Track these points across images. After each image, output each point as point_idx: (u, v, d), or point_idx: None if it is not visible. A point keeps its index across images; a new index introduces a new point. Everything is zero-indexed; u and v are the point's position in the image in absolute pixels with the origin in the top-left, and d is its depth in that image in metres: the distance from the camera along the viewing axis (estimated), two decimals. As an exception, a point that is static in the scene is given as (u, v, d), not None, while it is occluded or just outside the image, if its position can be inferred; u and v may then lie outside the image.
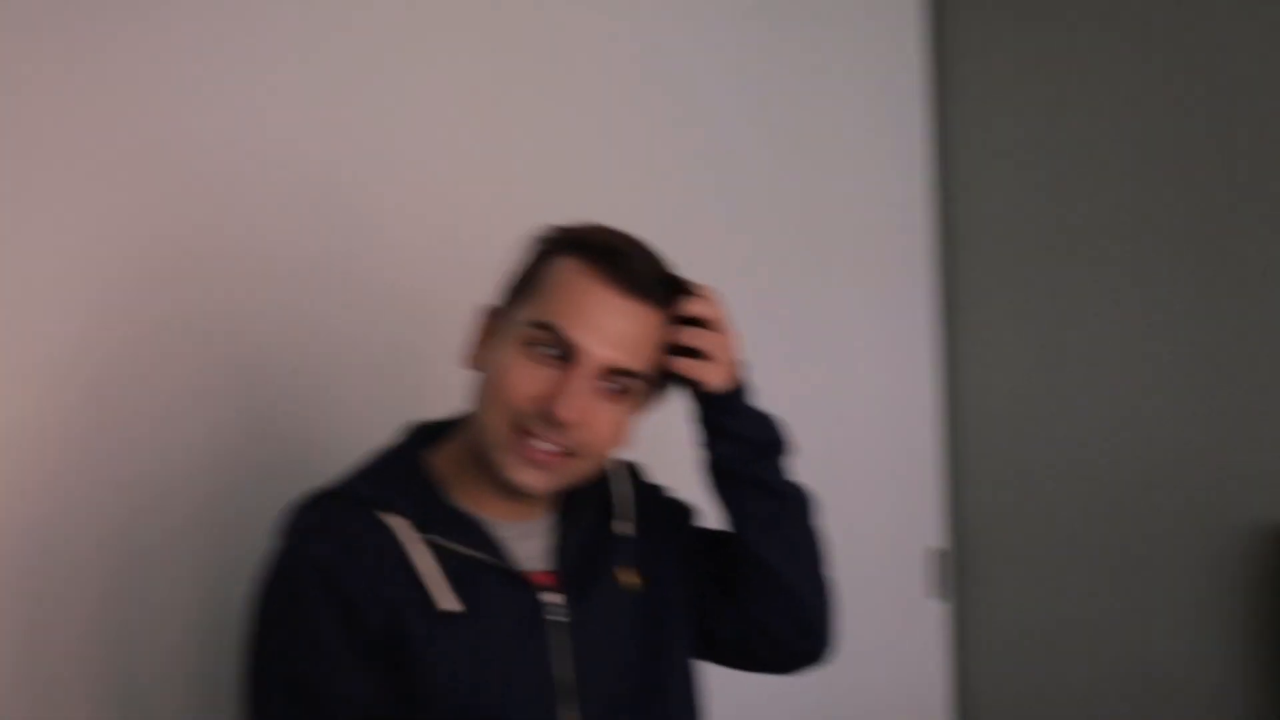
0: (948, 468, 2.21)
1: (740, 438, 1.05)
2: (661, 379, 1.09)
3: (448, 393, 1.08)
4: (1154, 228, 1.99)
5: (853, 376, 2.06)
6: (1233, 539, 1.92)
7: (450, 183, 1.45)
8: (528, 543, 1.08)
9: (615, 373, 1.01)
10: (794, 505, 1.17)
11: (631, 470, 1.15)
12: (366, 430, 1.18)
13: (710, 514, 1.09)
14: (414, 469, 1.06)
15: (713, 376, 1.03)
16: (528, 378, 1.00)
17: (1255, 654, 1.91)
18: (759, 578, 1.05)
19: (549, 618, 1.05)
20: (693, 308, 1.07)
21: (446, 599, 1.02)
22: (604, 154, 1.76)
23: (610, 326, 1.01)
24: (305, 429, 1.38)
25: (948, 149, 2.26)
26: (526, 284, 1.06)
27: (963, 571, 2.21)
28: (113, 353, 1.26)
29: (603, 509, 1.10)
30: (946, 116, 2.26)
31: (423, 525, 1.02)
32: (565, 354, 1.00)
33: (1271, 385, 1.90)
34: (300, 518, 1.05)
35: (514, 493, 1.04)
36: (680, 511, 1.13)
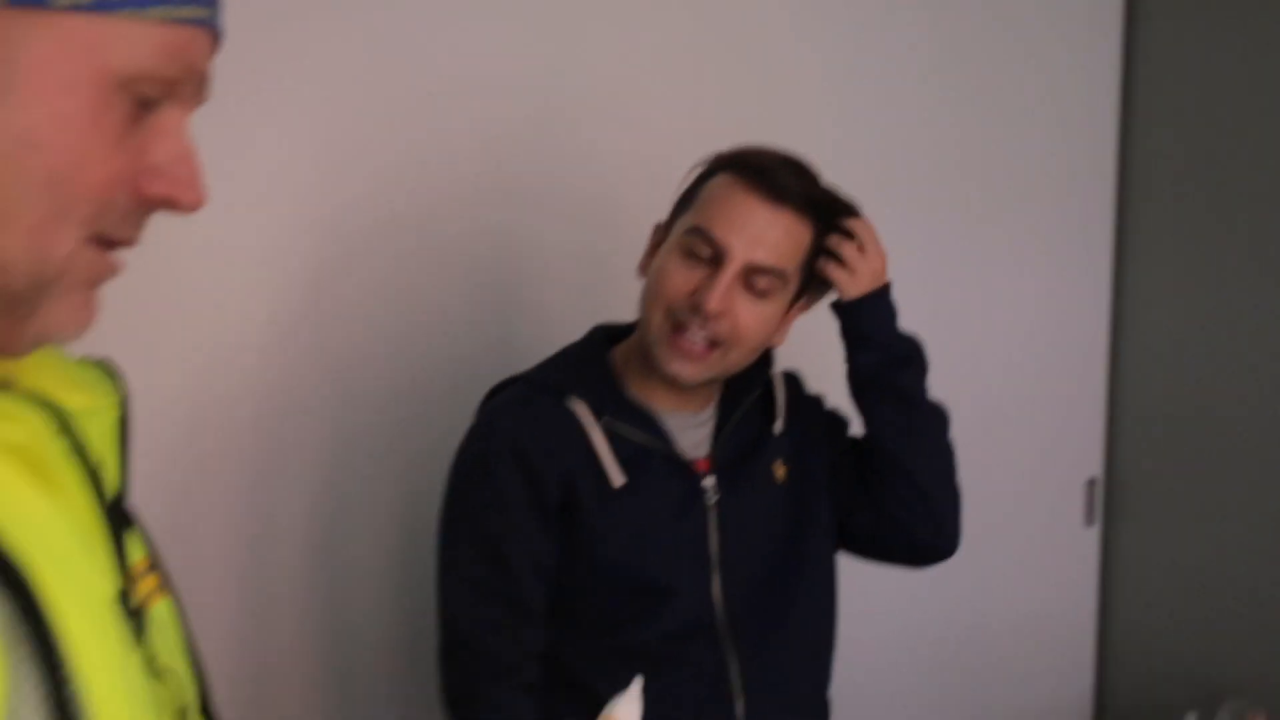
0: (1108, 404, 2.25)
1: (877, 345, 1.12)
2: (809, 284, 1.16)
3: (632, 301, 1.19)
4: None
5: (1028, 317, 2.11)
6: None
7: (644, 114, 1.54)
8: (690, 432, 1.19)
9: (759, 271, 1.10)
10: (928, 415, 1.24)
11: (793, 379, 1.24)
12: (560, 331, 1.31)
13: (858, 426, 1.18)
14: (597, 363, 1.18)
15: (851, 285, 1.11)
16: (682, 276, 1.09)
17: None
18: (897, 480, 1.14)
19: (707, 501, 1.17)
20: (841, 221, 1.14)
21: (617, 476, 1.14)
22: (792, 91, 1.80)
23: (755, 229, 1.09)
24: (507, 327, 1.52)
25: (1131, 105, 2.26)
26: (688, 199, 1.15)
27: (1116, 502, 2.26)
28: (338, 261, 1.40)
29: (765, 409, 1.19)
30: (1133, 74, 2.24)
31: (600, 411, 1.14)
32: (715, 255, 1.09)
33: None
34: (497, 398, 1.20)
35: (676, 385, 1.14)
36: (834, 421, 1.22)
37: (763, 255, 1.11)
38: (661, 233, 1.17)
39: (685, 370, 1.11)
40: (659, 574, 1.14)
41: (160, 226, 0.62)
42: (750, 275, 1.11)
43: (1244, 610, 2.11)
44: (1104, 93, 2.18)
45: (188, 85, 0.57)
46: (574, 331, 1.28)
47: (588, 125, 1.52)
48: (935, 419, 1.27)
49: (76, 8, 0.52)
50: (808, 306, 1.22)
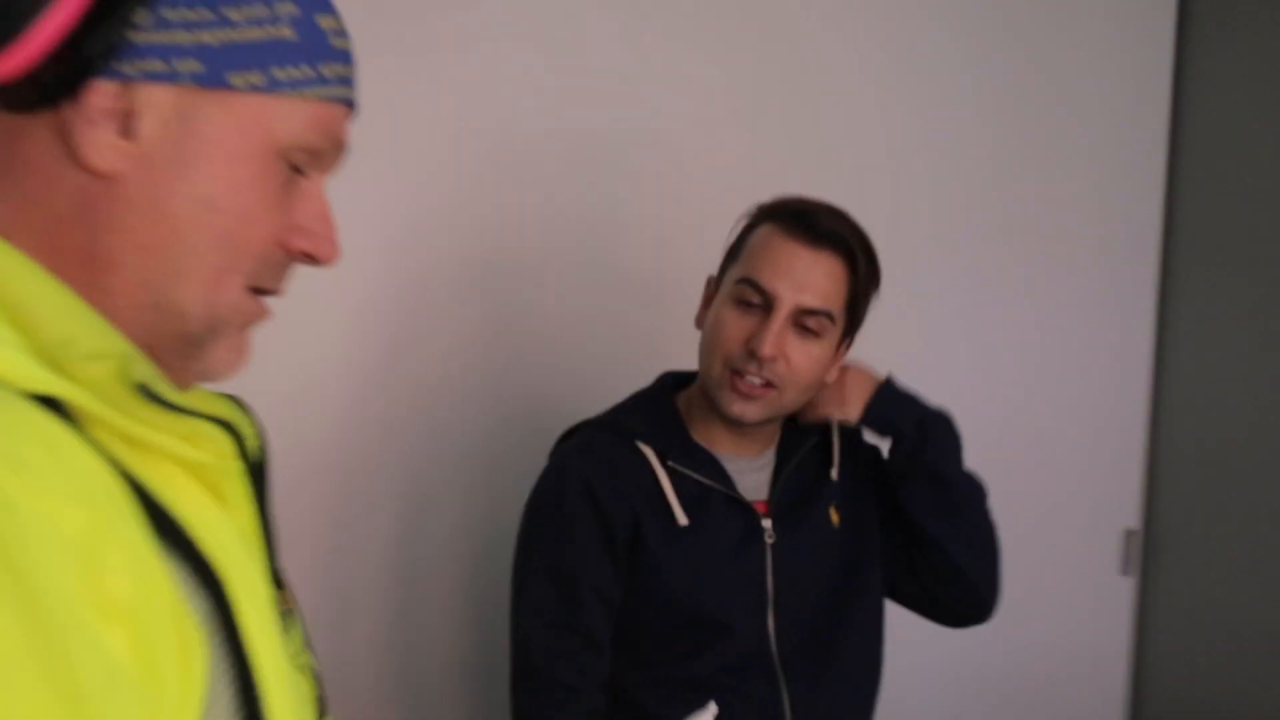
0: (1147, 455, 2.22)
1: (901, 436, 1.17)
2: (855, 322, 1.21)
3: (690, 355, 1.25)
4: None
5: (1069, 364, 2.12)
6: None
7: (698, 188, 1.60)
8: (750, 475, 1.23)
9: (807, 313, 1.13)
10: (963, 493, 1.27)
11: (853, 430, 1.27)
12: (627, 378, 1.38)
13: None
14: (664, 407, 1.23)
15: (849, 411, 1.18)
16: (736, 325, 1.14)
17: None
18: (934, 557, 1.19)
19: (765, 540, 1.21)
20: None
21: (681, 516, 1.18)
22: (844, 149, 1.85)
23: (799, 274, 1.14)
24: (579, 373, 1.60)
25: (1180, 154, 2.24)
26: (735, 252, 1.19)
27: (1153, 553, 2.23)
28: (421, 310, 1.50)
29: (822, 455, 1.23)
30: (1182, 120, 2.23)
31: (666, 454, 1.18)
32: (765, 302, 1.13)
33: None
34: (569, 441, 1.24)
35: (738, 429, 1.18)
36: (886, 474, 1.24)
37: (809, 299, 1.14)
38: (713, 285, 1.20)
39: (747, 411, 1.15)
40: (717, 609, 1.17)
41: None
42: (800, 318, 1.14)
43: (1272, 647, 2.06)
44: (1152, 142, 2.17)
45: (331, 154, 0.63)
46: (641, 378, 1.33)
47: (649, 195, 1.60)
48: (971, 495, 1.29)
49: (253, 89, 0.57)
50: (851, 344, 1.25)
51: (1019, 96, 2.02)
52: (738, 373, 1.14)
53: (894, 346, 1.36)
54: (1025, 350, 2.05)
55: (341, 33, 0.63)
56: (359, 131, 1.36)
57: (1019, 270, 2.05)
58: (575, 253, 1.60)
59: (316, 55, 0.61)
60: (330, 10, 0.62)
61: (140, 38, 0.54)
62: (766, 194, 1.25)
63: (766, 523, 1.21)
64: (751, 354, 1.12)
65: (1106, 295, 2.16)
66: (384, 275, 1.48)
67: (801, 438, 1.25)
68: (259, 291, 0.62)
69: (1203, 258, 2.19)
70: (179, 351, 0.60)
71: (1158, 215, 2.19)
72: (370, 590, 1.48)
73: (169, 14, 0.55)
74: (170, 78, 0.56)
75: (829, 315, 1.15)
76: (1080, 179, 2.09)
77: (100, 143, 0.55)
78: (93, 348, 0.54)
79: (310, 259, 0.64)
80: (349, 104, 0.63)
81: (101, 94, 0.55)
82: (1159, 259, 2.20)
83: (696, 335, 1.22)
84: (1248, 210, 2.11)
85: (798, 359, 1.14)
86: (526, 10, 1.56)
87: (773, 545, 1.19)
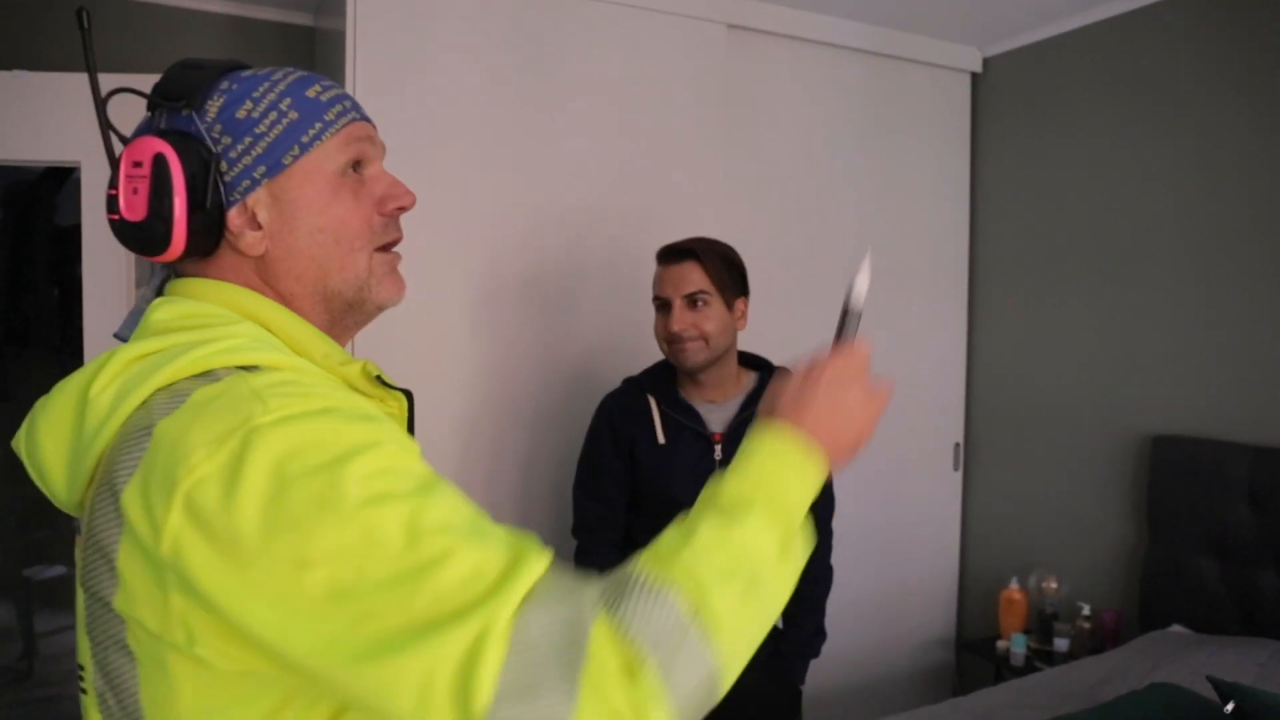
0: (965, 398, 2.75)
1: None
2: (732, 287, 1.40)
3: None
4: (1087, 269, 2.36)
5: (921, 341, 2.62)
6: (1128, 442, 2.25)
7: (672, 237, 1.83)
8: (716, 416, 1.50)
9: (688, 297, 1.41)
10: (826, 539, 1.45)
11: (786, 373, 1.30)
12: (630, 361, 1.85)
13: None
14: (664, 374, 1.54)
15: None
16: (661, 322, 1.45)
17: (1135, 512, 2.25)
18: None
19: (715, 456, 1.47)
20: None
21: (660, 437, 1.47)
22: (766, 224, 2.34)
23: (674, 279, 1.43)
24: (596, 355, 2.09)
25: (978, 210, 2.72)
26: (655, 282, 1.46)
27: (970, 456, 2.75)
28: (495, 312, 1.93)
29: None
30: (979, 191, 2.72)
31: (660, 400, 1.49)
32: (667, 303, 1.42)
33: (1139, 344, 2.22)
34: (609, 394, 1.58)
35: (699, 380, 1.44)
36: None
37: (685, 289, 1.42)
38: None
39: (687, 359, 1.44)
40: (680, 494, 1.42)
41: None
42: (689, 302, 1.42)
43: (1047, 517, 2.50)
44: (960, 214, 2.69)
45: (368, 149, 0.73)
46: (643, 359, 1.78)
47: (647, 242, 1.73)
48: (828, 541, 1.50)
49: (297, 157, 0.69)
50: (746, 301, 1.47)
51: (882, 180, 2.54)
52: (677, 344, 1.45)
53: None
54: (903, 338, 2.56)
55: (324, 89, 0.71)
56: (472, 203, 1.83)
57: (903, 289, 2.57)
58: (600, 276, 2.08)
59: (317, 114, 0.69)
60: (310, 83, 0.71)
61: (230, 177, 0.67)
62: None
63: (718, 447, 1.48)
64: (672, 334, 1.43)
65: (940, 303, 2.66)
66: (475, 292, 1.95)
67: (756, 392, 1.49)
68: (386, 247, 0.73)
69: (996, 274, 2.65)
70: (353, 310, 0.72)
71: (965, 257, 2.70)
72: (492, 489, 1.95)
73: (235, 156, 0.67)
74: (256, 184, 0.68)
75: (704, 291, 1.42)
76: (921, 235, 2.60)
77: (248, 241, 0.68)
78: (342, 358, 0.70)
79: (401, 210, 0.73)
80: (360, 117, 0.72)
81: (234, 218, 0.68)
82: (968, 276, 2.72)
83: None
84: (1015, 254, 2.59)
85: (701, 324, 1.42)
86: (561, 125, 2.05)
87: (719, 460, 1.46)
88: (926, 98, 2.54)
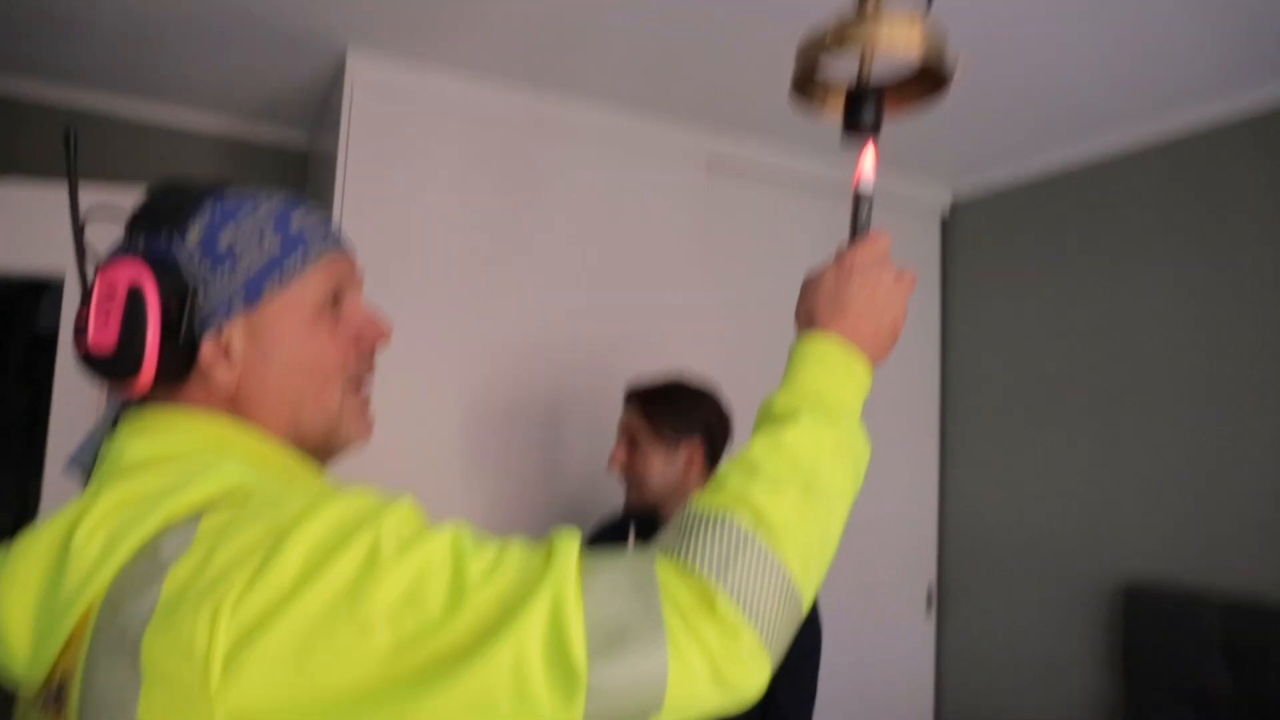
0: (939, 536, 2.67)
1: None
2: (666, 430, 1.47)
3: None
4: (1060, 410, 2.33)
5: (891, 481, 2.56)
6: (1103, 589, 2.19)
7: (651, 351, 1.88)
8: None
9: (631, 439, 1.49)
10: None
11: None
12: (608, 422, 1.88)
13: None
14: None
15: None
16: (611, 453, 1.53)
17: (1110, 663, 2.17)
18: None
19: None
20: None
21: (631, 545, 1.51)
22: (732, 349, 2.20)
23: (622, 420, 1.52)
24: (606, 488, 2.07)
25: (949, 349, 2.70)
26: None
27: (945, 600, 2.64)
28: (483, 420, 1.97)
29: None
30: (949, 329, 2.69)
31: (639, 527, 1.56)
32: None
33: (1114, 486, 2.18)
34: (603, 516, 1.67)
35: (668, 520, 1.48)
36: None
37: (627, 430, 1.51)
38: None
39: (626, 497, 1.54)
40: None
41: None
42: (631, 442, 1.50)
43: (1022, 664, 2.39)
44: (931, 355, 2.67)
45: (347, 281, 0.72)
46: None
47: (622, 356, 2.03)
48: None
49: (280, 288, 0.67)
50: (704, 443, 1.50)
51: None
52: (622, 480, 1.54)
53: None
54: (873, 476, 1.93)
55: (305, 215, 0.70)
56: (454, 329, 1.85)
57: (884, 425, 2.24)
58: (583, 405, 2.11)
59: (298, 244, 0.69)
60: (292, 209, 0.70)
61: (207, 307, 0.65)
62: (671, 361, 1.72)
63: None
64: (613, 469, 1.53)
65: (911, 442, 2.64)
66: (460, 420, 1.97)
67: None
68: (357, 383, 0.72)
69: (967, 413, 2.62)
70: (325, 443, 0.71)
71: (936, 394, 2.67)
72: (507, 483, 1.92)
73: (214, 286, 0.65)
74: (232, 314, 0.66)
75: (638, 436, 1.49)
76: (890, 371, 2.35)
77: (219, 372, 0.66)
78: (306, 469, 0.70)
79: (377, 343, 0.74)
80: (338, 248, 0.71)
81: (207, 349, 0.66)
82: (939, 413, 2.68)
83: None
84: (987, 393, 2.55)
85: (632, 462, 1.50)
86: (551, 271, 2.10)
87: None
88: (896, 237, 2.50)
